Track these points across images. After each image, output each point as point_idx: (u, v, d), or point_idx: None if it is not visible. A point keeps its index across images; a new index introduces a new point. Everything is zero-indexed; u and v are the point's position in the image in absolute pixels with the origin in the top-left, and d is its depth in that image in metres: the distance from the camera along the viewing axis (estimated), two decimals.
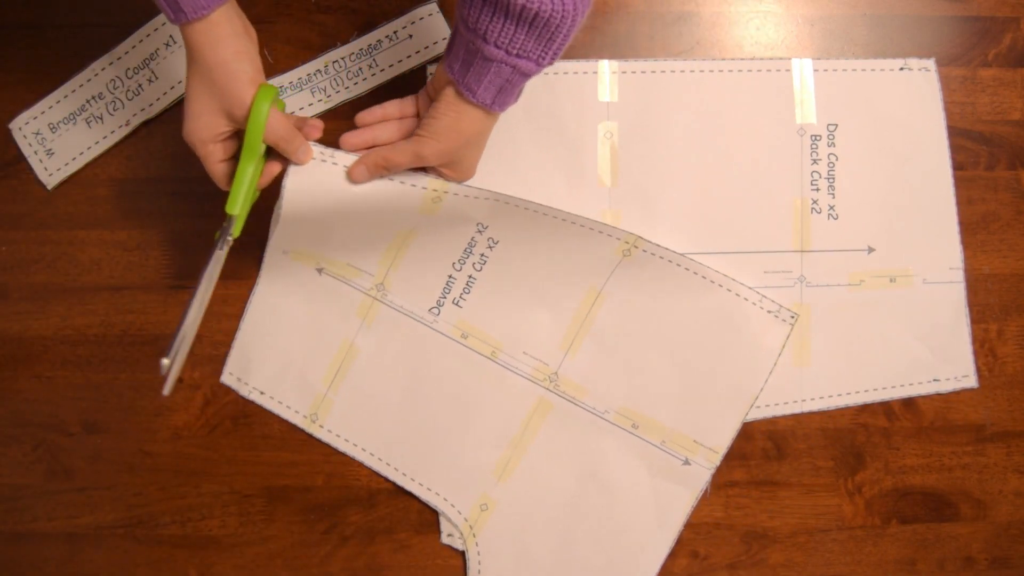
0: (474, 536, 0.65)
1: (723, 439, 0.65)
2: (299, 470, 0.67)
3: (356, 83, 0.66)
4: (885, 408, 0.67)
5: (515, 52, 0.49)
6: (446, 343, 0.65)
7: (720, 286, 0.64)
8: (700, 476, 0.65)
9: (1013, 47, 0.68)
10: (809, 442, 0.67)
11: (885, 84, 0.67)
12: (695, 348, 0.65)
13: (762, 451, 0.67)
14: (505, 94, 0.52)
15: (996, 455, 0.67)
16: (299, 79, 0.66)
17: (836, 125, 0.66)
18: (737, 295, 0.64)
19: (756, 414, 0.66)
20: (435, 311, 0.65)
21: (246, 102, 0.52)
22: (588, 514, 0.65)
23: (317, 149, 0.56)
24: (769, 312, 0.65)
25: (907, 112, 0.67)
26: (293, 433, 0.67)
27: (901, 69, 0.67)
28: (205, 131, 0.53)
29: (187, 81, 0.52)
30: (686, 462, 0.65)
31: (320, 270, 0.65)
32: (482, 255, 0.64)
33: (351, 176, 0.57)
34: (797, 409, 0.66)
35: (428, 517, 0.67)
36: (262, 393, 0.66)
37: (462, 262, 0.64)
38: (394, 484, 0.66)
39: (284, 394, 0.66)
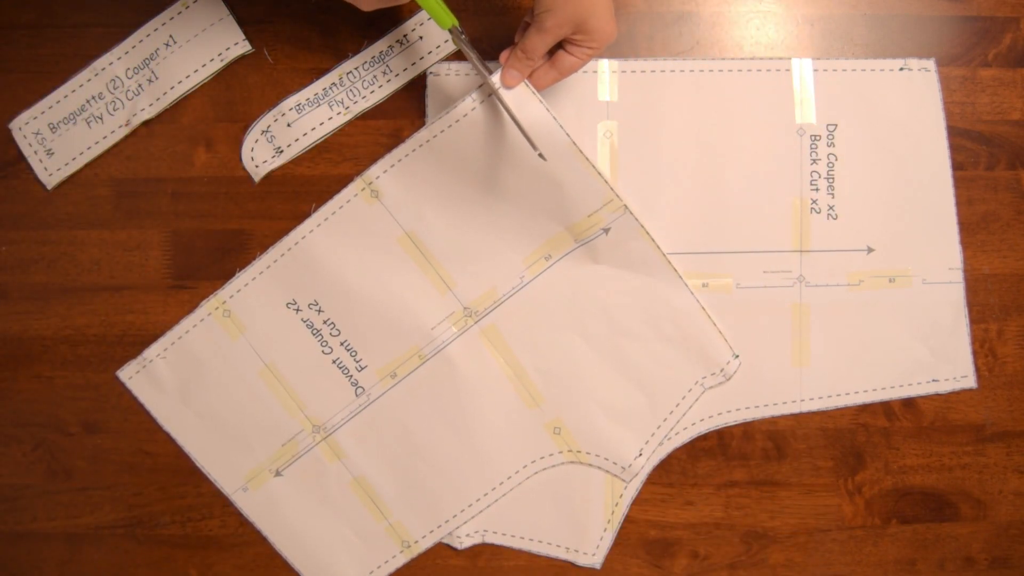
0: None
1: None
2: None
3: (372, 91, 0.66)
4: (885, 408, 0.67)
5: None
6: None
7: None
8: None
9: (1013, 47, 0.68)
10: (809, 442, 0.67)
11: (885, 84, 0.67)
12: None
13: (762, 451, 0.67)
14: None
15: (996, 455, 0.67)
16: (315, 95, 0.66)
17: (836, 125, 0.66)
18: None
19: (756, 414, 0.66)
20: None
21: None
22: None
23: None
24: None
25: (907, 112, 0.67)
26: None
27: (901, 69, 0.67)
28: None
29: None
30: None
31: (278, 472, 0.66)
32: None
33: (504, 81, 0.59)
34: (797, 409, 0.66)
35: None
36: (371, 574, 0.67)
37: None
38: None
39: (374, 554, 0.67)
